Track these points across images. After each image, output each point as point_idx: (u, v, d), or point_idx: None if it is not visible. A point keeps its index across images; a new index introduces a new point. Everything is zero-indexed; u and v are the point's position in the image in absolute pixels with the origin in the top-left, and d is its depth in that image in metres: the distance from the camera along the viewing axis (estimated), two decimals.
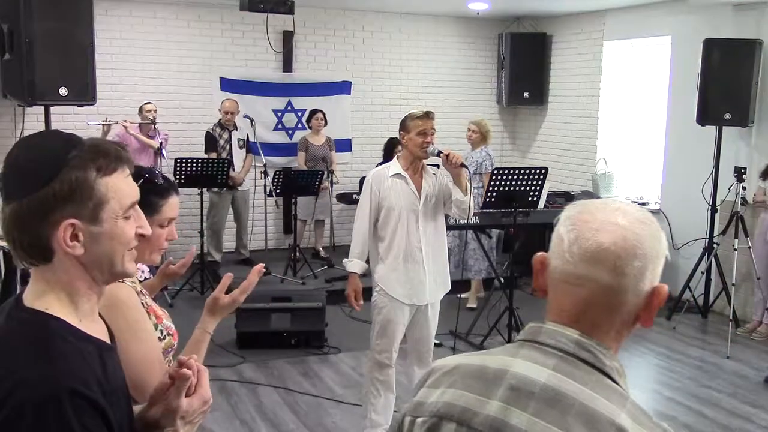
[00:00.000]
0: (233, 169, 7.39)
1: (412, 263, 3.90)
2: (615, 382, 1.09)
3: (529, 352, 1.11)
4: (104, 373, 1.22)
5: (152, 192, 1.86)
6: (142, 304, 1.86)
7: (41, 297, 1.23)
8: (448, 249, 6.18)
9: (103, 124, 6.71)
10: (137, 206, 1.29)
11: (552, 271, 1.13)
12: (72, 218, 1.20)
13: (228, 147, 7.44)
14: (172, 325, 1.97)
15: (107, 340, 1.32)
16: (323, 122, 7.85)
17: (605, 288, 1.08)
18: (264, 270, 1.91)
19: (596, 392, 1.05)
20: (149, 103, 7.24)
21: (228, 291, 1.89)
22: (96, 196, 1.21)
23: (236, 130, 7.54)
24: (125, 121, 6.91)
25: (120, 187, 1.24)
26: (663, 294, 1.11)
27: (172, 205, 1.95)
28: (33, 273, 1.27)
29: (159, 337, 1.87)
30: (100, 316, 1.35)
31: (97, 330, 1.30)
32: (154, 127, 7.03)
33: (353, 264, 3.96)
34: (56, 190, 1.18)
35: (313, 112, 7.90)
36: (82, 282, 1.25)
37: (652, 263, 1.10)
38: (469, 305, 6.65)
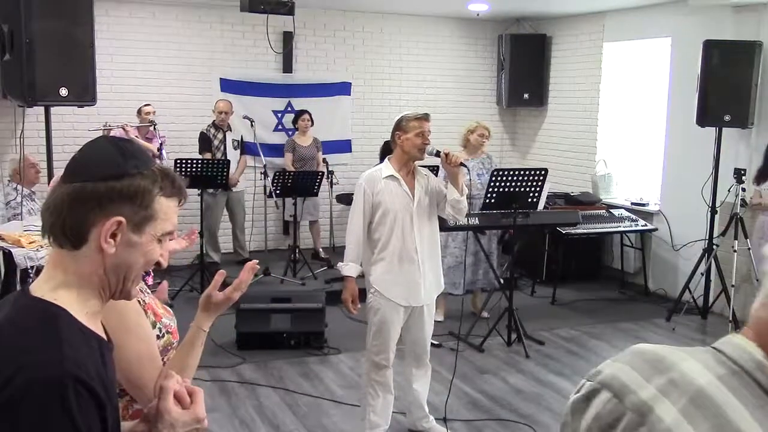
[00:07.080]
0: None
1: (408, 264, 3.90)
2: None
3: (704, 355, 1.10)
4: (104, 368, 1.24)
5: None
6: (139, 301, 1.87)
7: (53, 290, 1.26)
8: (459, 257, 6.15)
9: (103, 129, 6.72)
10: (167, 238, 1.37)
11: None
12: (122, 217, 1.26)
13: (222, 147, 7.44)
14: (173, 324, 1.98)
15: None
16: (310, 123, 7.83)
17: None
18: (257, 267, 1.83)
19: (753, 415, 1.02)
20: (148, 104, 7.25)
21: (222, 288, 1.89)
22: (150, 209, 1.29)
23: (230, 130, 7.54)
24: (126, 124, 6.92)
25: (169, 213, 1.34)
26: None
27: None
28: (51, 260, 1.30)
29: (157, 335, 1.88)
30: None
31: (99, 330, 1.33)
32: (154, 128, 7.03)
33: (349, 268, 3.93)
34: (123, 186, 1.26)
35: (300, 112, 7.86)
36: (98, 280, 1.29)
37: None
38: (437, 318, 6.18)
